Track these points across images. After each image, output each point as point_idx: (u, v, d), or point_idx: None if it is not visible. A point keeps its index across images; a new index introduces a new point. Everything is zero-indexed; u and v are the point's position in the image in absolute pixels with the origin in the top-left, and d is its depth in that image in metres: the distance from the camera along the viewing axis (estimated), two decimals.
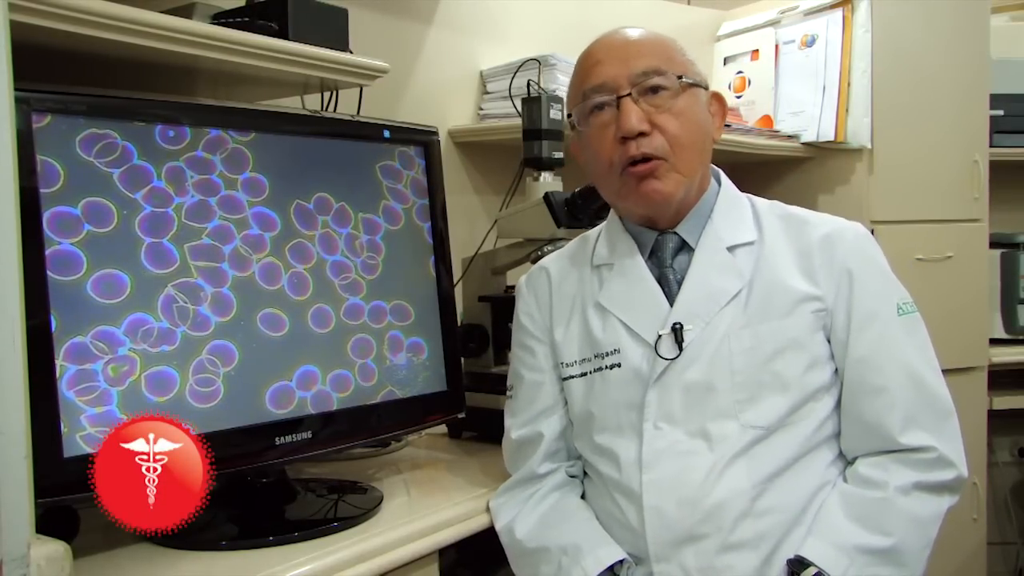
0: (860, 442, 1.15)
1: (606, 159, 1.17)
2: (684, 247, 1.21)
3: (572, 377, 1.24)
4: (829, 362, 1.16)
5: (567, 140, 1.68)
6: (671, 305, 1.17)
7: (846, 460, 1.17)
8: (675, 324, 1.15)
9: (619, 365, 1.18)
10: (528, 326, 1.30)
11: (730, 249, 1.19)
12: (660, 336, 1.15)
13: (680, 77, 1.15)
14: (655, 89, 1.15)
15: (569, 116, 1.23)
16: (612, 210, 1.29)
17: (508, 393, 1.32)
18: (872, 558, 1.07)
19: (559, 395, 1.26)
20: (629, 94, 1.14)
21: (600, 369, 1.20)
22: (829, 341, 1.16)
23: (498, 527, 1.25)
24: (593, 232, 1.33)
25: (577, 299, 1.26)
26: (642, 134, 1.14)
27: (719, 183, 1.25)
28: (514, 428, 1.29)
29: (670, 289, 1.19)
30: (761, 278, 1.17)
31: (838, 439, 1.17)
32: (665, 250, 1.21)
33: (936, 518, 1.13)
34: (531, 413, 1.27)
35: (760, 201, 1.26)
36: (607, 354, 1.19)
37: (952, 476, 1.13)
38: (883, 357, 1.15)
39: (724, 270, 1.18)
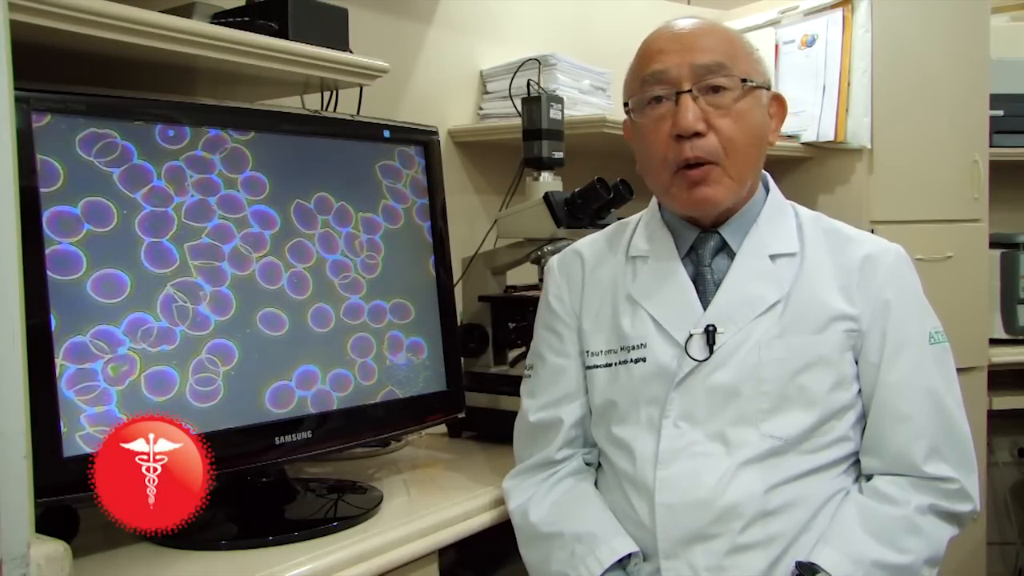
0: (882, 463, 1.15)
1: (660, 155, 1.15)
2: (724, 248, 1.20)
3: (596, 367, 1.22)
4: (855, 382, 1.16)
5: (567, 139, 1.68)
6: (704, 306, 1.16)
7: (859, 469, 1.17)
8: (708, 326, 1.14)
9: (644, 360, 1.17)
10: (557, 309, 1.28)
11: (772, 258, 1.18)
12: (691, 336, 1.14)
13: (744, 80, 1.13)
14: (716, 89, 1.12)
15: (625, 105, 1.20)
16: (653, 199, 1.27)
17: (527, 372, 1.31)
18: (887, 574, 1.07)
19: (581, 382, 1.25)
20: (690, 91, 1.11)
21: (625, 362, 1.19)
22: (857, 362, 1.16)
23: (511, 507, 1.24)
24: (632, 220, 1.30)
25: (609, 288, 1.24)
26: (697, 134, 1.11)
27: (767, 189, 1.24)
28: (532, 411, 1.27)
29: (705, 288, 1.18)
30: (799, 291, 1.15)
31: (854, 453, 1.17)
32: (705, 249, 1.20)
33: (945, 542, 1.13)
34: (551, 397, 1.26)
35: (804, 211, 1.25)
36: (633, 347, 1.18)
37: (968, 509, 1.14)
38: (912, 386, 1.14)
39: (765, 278, 1.16)
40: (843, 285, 1.16)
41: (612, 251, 1.27)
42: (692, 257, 1.20)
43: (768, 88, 1.19)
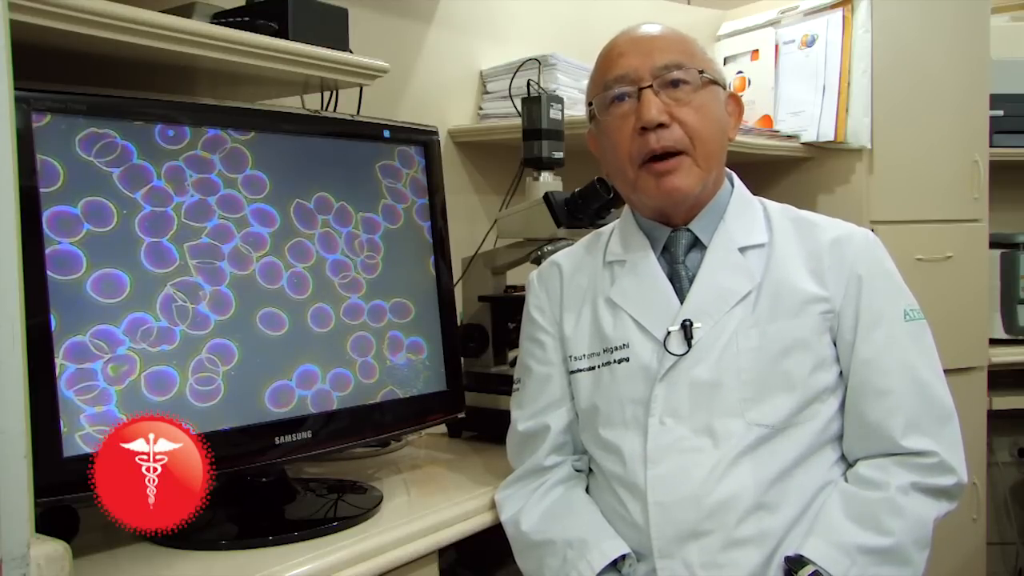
0: (862, 443, 1.16)
1: (624, 151, 1.18)
2: (696, 244, 1.22)
3: (580, 371, 1.24)
4: (835, 364, 1.17)
5: (567, 139, 1.68)
6: (681, 301, 1.18)
7: (847, 463, 1.17)
8: (685, 321, 1.16)
9: (627, 360, 1.19)
10: (538, 319, 1.30)
11: (742, 250, 1.20)
12: (669, 332, 1.16)
13: (701, 72, 1.17)
14: (676, 83, 1.16)
15: (589, 105, 1.24)
16: (626, 207, 1.30)
17: (515, 386, 1.33)
18: (874, 558, 1.08)
19: (567, 388, 1.27)
20: (650, 86, 1.16)
21: (608, 363, 1.20)
22: (835, 343, 1.17)
23: (503, 519, 1.25)
24: (606, 229, 1.33)
25: (588, 294, 1.26)
26: (661, 126, 1.15)
27: (732, 185, 1.27)
28: (521, 420, 1.29)
29: (681, 286, 1.20)
30: (771, 280, 1.17)
31: (841, 441, 1.17)
32: (678, 246, 1.22)
33: (933, 521, 1.13)
34: (539, 406, 1.27)
35: (772, 204, 1.27)
36: (616, 348, 1.20)
37: (952, 482, 1.14)
38: (888, 360, 1.15)
39: (735, 271, 1.18)
40: (814, 269, 1.18)
41: (589, 259, 1.30)
42: (667, 256, 1.23)
43: (724, 86, 1.23)
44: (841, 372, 1.17)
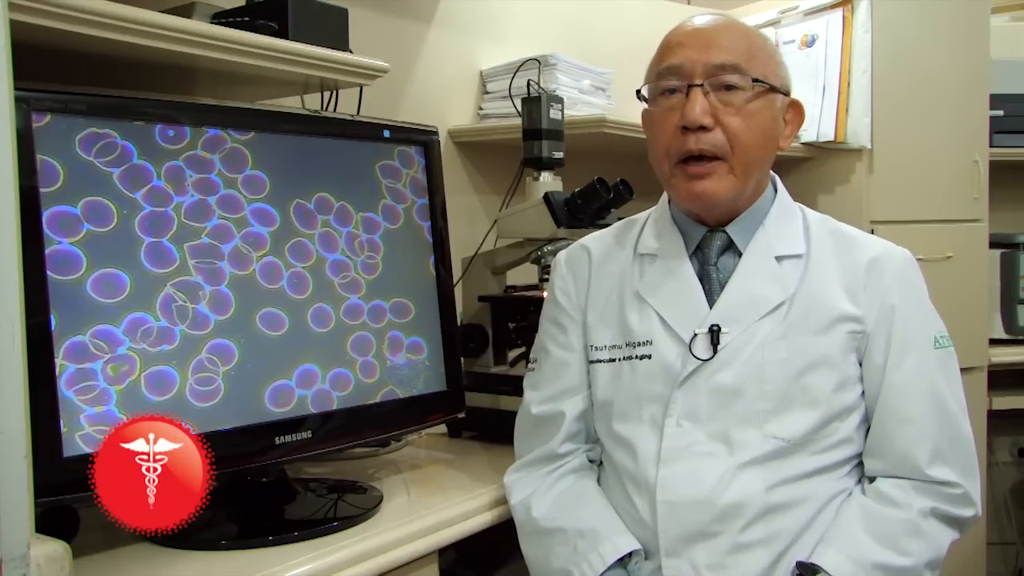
0: (885, 464, 1.15)
1: (663, 145, 1.16)
2: (731, 247, 1.20)
3: (600, 361, 1.22)
4: (858, 383, 1.16)
5: (567, 139, 1.68)
6: (709, 304, 1.16)
7: (862, 471, 1.17)
8: (713, 326, 1.14)
9: (649, 357, 1.17)
10: (563, 303, 1.28)
11: (778, 259, 1.18)
12: (696, 335, 1.14)
13: (757, 80, 1.13)
14: (729, 87, 1.13)
15: (638, 92, 1.20)
16: (663, 196, 1.27)
17: (530, 366, 1.31)
18: None
19: (584, 376, 1.25)
20: (701, 85, 1.12)
21: (630, 358, 1.19)
22: (860, 363, 1.16)
23: (512, 502, 1.24)
24: (640, 217, 1.31)
25: (616, 284, 1.24)
26: (703, 128, 1.12)
27: (775, 189, 1.24)
28: (535, 403, 1.27)
29: (710, 287, 1.18)
30: (804, 292, 1.16)
31: (857, 455, 1.16)
32: (711, 248, 1.20)
33: (946, 546, 1.13)
34: (554, 390, 1.26)
35: (812, 213, 1.25)
36: (639, 344, 1.18)
37: (970, 514, 1.14)
38: (916, 387, 1.14)
39: (770, 280, 1.16)
40: (849, 287, 1.16)
41: (620, 248, 1.27)
42: (698, 255, 1.21)
43: (787, 93, 1.19)
44: (863, 392, 1.16)
